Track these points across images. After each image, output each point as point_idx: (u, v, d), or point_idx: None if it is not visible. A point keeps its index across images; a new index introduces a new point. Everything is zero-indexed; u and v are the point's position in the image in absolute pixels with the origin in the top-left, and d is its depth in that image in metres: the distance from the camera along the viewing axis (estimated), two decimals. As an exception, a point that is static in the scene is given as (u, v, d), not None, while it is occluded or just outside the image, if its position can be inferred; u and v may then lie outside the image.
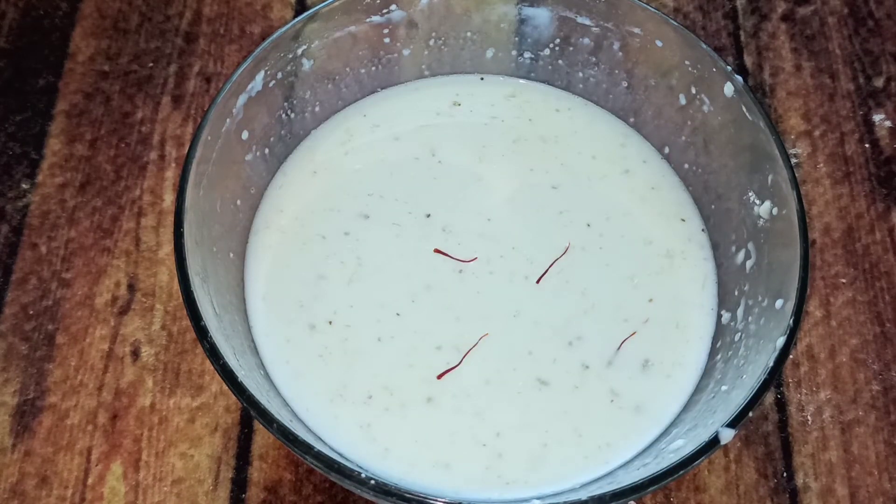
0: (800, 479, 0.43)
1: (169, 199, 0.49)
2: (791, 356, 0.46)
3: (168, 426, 0.43)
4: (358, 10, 0.44)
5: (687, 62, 0.43)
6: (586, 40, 0.46)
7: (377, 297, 0.41)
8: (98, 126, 0.51)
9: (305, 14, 0.42)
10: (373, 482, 0.32)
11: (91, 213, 0.49)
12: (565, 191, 0.45)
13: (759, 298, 0.39)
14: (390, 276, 0.42)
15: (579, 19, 0.45)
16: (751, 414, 0.34)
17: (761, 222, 0.40)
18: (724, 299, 0.42)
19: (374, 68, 0.47)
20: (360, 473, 0.32)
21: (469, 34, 0.47)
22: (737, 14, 0.57)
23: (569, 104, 0.48)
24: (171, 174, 0.50)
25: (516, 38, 0.47)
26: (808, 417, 0.45)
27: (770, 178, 0.39)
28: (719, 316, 0.42)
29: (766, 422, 0.45)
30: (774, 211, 0.39)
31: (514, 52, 0.47)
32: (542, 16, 0.46)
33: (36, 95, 0.52)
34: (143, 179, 0.50)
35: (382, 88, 0.48)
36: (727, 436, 0.34)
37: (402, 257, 0.42)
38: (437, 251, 0.42)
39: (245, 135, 0.42)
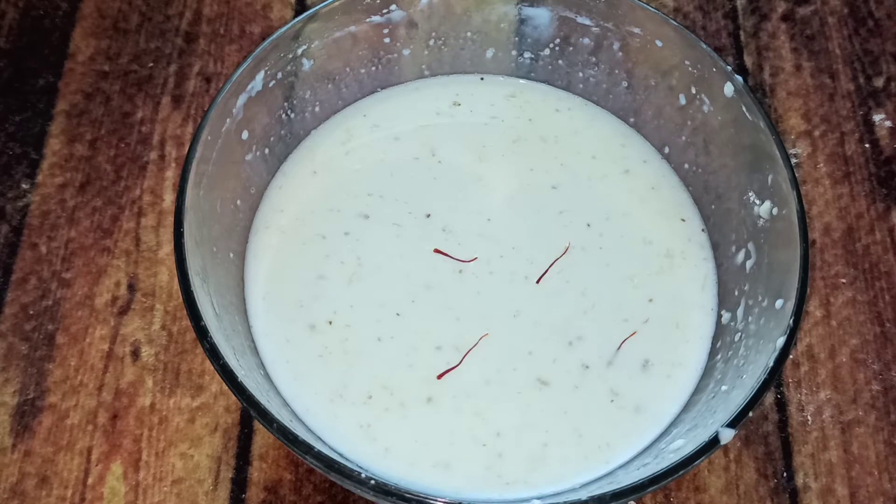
0: (800, 479, 0.43)
1: (169, 199, 0.49)
2: (791, 356, 0.46)
3: (168, 426, 0.43)
4: (358, 10, 0.44)
5: (687, 62, 0.43)
6: (586, 40, 0.46)
7: (377, 297, 0.41)
8: (98, 126, 0.51)
9: (305, 14, 0.42)
10: (373, 482, 0.32)
11: (91, 213, 0.49)
12: (565, 191, 0.45)
13: (759, 298, 0.39)
14: (390, 276, 0.42)
15: (579, 19, 0.45)
16: (751, 414, 0.34)
17: (761, 222, 0.40)
18: (724, 299, 0.42)
19: (374, 68, 0.47)
20: (360, 473, 0.32)
21: (469, 34, 0.47)
22: (737, 14, 0.57)
23: (569, 104, 0.48)
24: (171, 174, 0.50)
25: (516, 38, 0.47)
26: (808, 417, 0.45)
27: (770, 178, 0.39)
28: (719, 316, 0.42)
29: (766, 422, 0.45)
30: (774, 211, 0.39)
31: (514, 52, 0.47)
32: (542, 16, 0.46)
33: (36, 95, 0.52)
34: (143, 179, 0.50)
35: (382, 88, 0.48)
36: (727, 436, 0.34)
37: (402, 257, 0.42)
38: (437, 251, 0.42)
39: (245, 135, 0.42)
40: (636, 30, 0.44)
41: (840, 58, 0.55)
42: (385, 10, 0.44)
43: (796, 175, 0.41)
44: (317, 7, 0.42)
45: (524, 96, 0.48)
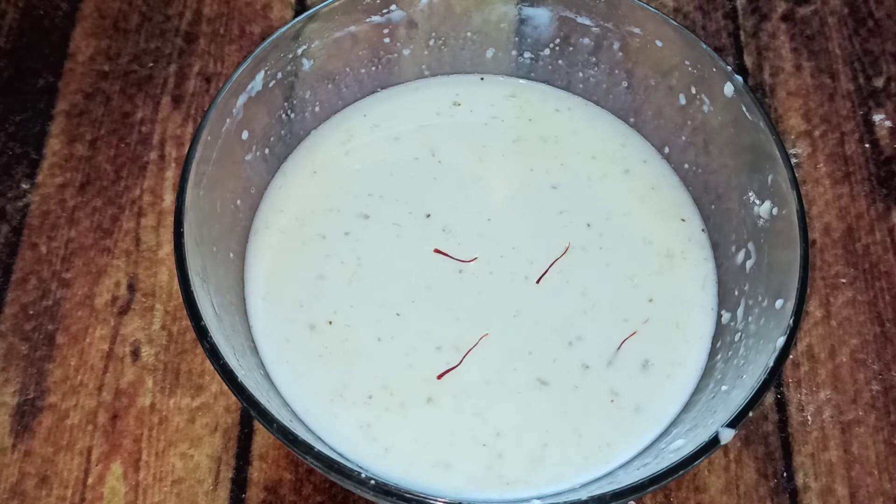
0: (800, 479, 0.43)
1: (169, 199, 0.49)
2: (791, 356, 0.46)
3: (168, 426, 0.43)
4: (358, 10, 0.44)
5: (687, 62, 0.43)
6: (586, 40, 0.46)
7: (377, 297, 0.41)
8: (98, 126, 0.51)
9: (305, 14, 0.42)
10: (373, 482, 0.32)
11: (91, 213, 0.49)
12: (565, 191, 0.45)
13: (759, 298, 0.39)
14: (390, 276, 0.42)
15: (579, 19, 0.45)
16: (751, 414, 0.34)
17: (761, 222, 0.40)
18: (724, 299, 0.42)
19: (374, 68, 0.47)
20: (360, 473, 0.32)
21: (469, 34, 0.47)
22: (737, 14, 0.57)
23: (569, 104, 0.48)
24: (171, 174, 0.50)
25: (516, 38, 0.47)
26: (808, 417, 0.45)
27: (770, 178, 0.39)
28: (719, 316, 0.42)
29: (766, 422, 0.45)
30: (774, 211, 0.39)
31: (514, 52, 0.47)
32: (542, 16, 0.46)
33: (36, 95, 0.52)
34: (143, 179, 0.50)
35: (382, 88, 0.48)
36: (727, 436, 0.34)
37: (402, 257, 0.42)
38: (437, 251, 0.42)
39: (245, 135, 0.42)
40: (636, 30, 0.44)
41: (840, 58, 0.55)
42: (385, 10, 0.44)
43: (796, 175, 0.41)
44: (317, 7, 0.42)
45: (524, 96, 0.48)
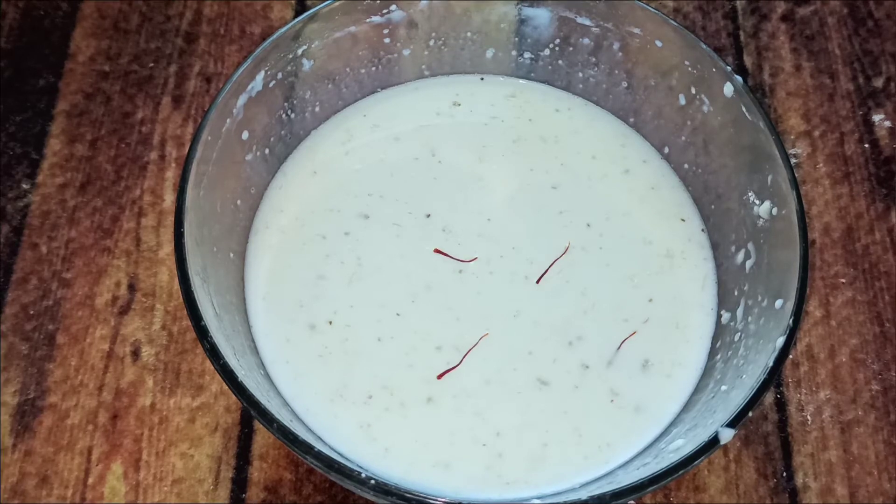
0: (800, 479, 0.43)
1: (169, 199, 0.49)
2: (791, 356, 0.46)
3: (168, 426, 0.43)
4: (358, 10, 0.44)
5: (687, 62, 0.43)
6: (586, 40, 0.46)
7: (377, 297, 0.41)
8: (98, 126, 0.51)
9: (305, 14, 0.42)
10: (373, 482, 0.32)
11: (91, 213, 0.49)
12: (565, 191, 0.45)
13: (759, 298, 0.39)
14: (390, 276, 0.42)
15: (579, 19, 0.45)
16: (751, 414, 0.34)
17: (761, 222, 0.40)
18: (724, 299, 0.42)
19: (374, 68, 0.47)
20: (360, 473, 0.32)
21: (469, 34, 0.47)
22: (737, 14, 0.57)
23: (569, 104, 0.48)
24: (171, 174, 0.50)
25: (516, 39, 0.47)
26: (808, 417, 0.45)
27: (770, 178, 0.39)
28: (719, 316, 0.42)
29: (766, 422, 0.45)
30: (774, 211, 0.39)
31: (514, 52, 0.47)
32: (542, 16, 0.46)
33: (36, 95, 0.52)
34: (143, 179, 0.50)
35: (382, 88, 0.48)
36: (727, 436, 0.34)
37: (402, 257, 0.42)
38: (437, 251, 0.42)
39: (245, 135, 0.42)
40: (636, 30, 0.44)
41: (840, 58, 0.55)
42: (385, 11, 0.44)
43: (796, 175, 0.41)
44: (317, 7, 0.43)
45: (524, 96, 0.48)
